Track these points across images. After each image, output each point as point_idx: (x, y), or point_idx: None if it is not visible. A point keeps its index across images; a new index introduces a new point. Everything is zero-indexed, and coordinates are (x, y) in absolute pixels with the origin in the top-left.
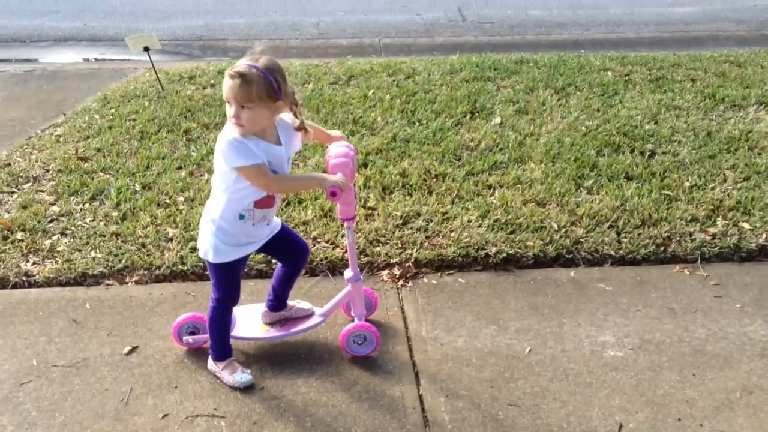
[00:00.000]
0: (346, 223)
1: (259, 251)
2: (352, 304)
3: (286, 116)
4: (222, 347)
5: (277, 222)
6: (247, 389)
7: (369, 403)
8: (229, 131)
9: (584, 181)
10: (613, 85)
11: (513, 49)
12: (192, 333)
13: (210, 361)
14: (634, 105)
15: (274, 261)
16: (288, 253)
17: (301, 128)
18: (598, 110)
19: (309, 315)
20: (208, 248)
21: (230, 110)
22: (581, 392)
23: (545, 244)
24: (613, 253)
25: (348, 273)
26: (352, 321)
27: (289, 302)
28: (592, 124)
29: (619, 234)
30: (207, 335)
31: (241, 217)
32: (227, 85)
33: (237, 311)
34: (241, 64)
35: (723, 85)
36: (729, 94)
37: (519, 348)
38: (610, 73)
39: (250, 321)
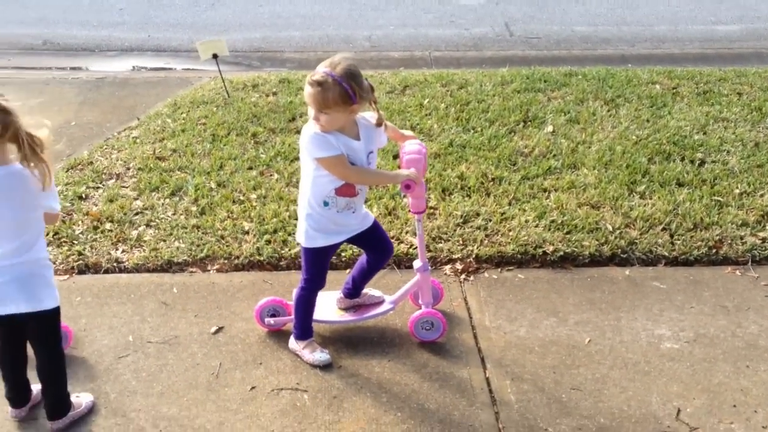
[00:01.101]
0: (416, 216)
1: (348, 242)
2: (421, 292)
3: (369, 114)
4: (305, 327)
5: (369, 218)
6: (326, 367)
7: (439, 383)
8: (312, 126)
9: (637, 186)
10: (661, 98)
11: (560, 63)
12: (273, 315)
13: (291, 340)
14: (682, 116)
15: (345, 255)
16: (374, 249)
17: (381, 123)
18: (647, 121)
19: (380, 302)
20: (301, 233)
21: (311, 111)
22: (640, 379)
23: (600, 244)
24: (666, 254)
25: (417, 263)
26: (420, 309)
27: (362, 290)
28: (643, 134)
29: (672, 236)
30: (287, 318)
31: (325, 204)
32: (307, 92)
33: None
34: (320, 72)
35: None
36: None
37: (579, 338)
38: (657, 86)
39: (326, 306)
